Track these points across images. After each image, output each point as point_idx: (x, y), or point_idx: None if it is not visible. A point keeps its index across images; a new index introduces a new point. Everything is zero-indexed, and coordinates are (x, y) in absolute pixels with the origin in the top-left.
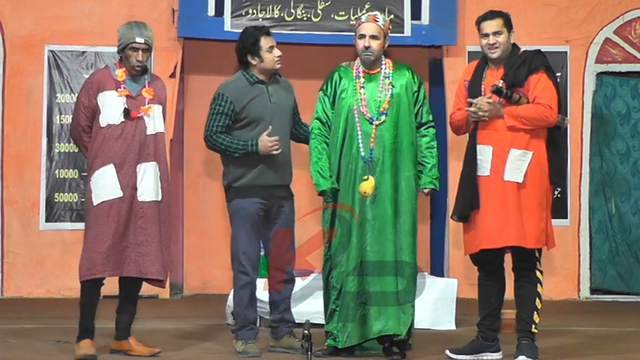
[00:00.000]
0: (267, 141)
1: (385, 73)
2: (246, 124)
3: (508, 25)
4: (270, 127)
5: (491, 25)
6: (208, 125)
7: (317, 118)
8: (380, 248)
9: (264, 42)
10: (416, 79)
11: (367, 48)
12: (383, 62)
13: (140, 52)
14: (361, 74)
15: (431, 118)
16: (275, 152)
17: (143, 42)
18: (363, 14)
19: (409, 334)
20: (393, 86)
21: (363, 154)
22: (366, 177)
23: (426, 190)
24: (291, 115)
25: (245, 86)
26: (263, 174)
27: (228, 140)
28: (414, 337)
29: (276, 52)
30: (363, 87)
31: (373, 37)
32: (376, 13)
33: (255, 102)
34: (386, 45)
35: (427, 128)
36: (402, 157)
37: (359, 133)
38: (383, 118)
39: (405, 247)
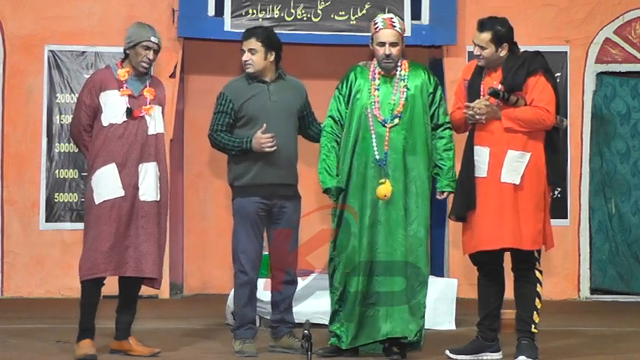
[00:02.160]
0: (260, 138)
1: (400, 75)
2: (245, 123)
3: (497, 40)
4: (265, 124)
5: (478, 38)
6: (211, 124)
7: (330, 116)
8: (390, 250)
9: (243, 45)
10: (432, 81)
11: (388, 56)
12: (399, 64)
13: (152, 51)
14: (377, 76)
15: (448, 119)
16: (268, 150)
17: (156, 42)
18: (378, 19)
19: (420, 336)
20: (408, 89)
21: (377, 157)
22: (383, 180)
23: (444, 195)
24: (297, 115)
25: (244, 85)
26: (263, 172)
27: (226, 138)
28: (424, 338)
29: (244, 56)
30: (378, 89)
31: (393, 44)
32: (391, 16)
33: (253, 100)
34: (403, 47)
35: (444, 130)
36: (415, 159)
37: (373, 135)
38: (396, 121)
39: (420, 252)
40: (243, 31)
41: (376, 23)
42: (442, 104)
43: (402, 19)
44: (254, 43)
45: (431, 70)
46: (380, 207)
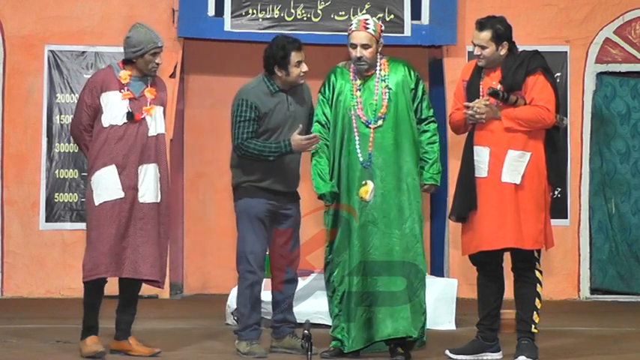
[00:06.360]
0: (300, 140)
1: (380, 75)
2: (263, 133)
3: (497, 38)
4: (301, 125)
5: (477, 37)
6: (237, 134)
7: (317, 121)
8: (386, 249)
9: (294, 56)
10: (412, 75)
11: (359, 58)
12: (378, 63)
13: (159, 55)
14: (357, 76)
15: (431, 113)
16: (312, 149)
17: (162, 45)
18: (354, 20)
19: (422, 334)
20: (390, 88)
21: (361, 158)
22: (364, 182)
23: (425, 186)
24: (307, 122)
25: (266, 94)
26: (271, 179)
27: (260, 145)
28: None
29: (303, 67)
30: (360, 89)
31: (364, 46)
32: (367, 17)
33: (276, 110)
34: (379, 48)
35: (428, 123)
36: (404, 156)
37: (356, 136)
38: (380, 122)
39: (417, 249)
40: (243, 31)
41: (351, 24)
42: (425, 98)
43: (402, 19)
44: (302, 54)
45: (431, 70)
46: (372, 206)
